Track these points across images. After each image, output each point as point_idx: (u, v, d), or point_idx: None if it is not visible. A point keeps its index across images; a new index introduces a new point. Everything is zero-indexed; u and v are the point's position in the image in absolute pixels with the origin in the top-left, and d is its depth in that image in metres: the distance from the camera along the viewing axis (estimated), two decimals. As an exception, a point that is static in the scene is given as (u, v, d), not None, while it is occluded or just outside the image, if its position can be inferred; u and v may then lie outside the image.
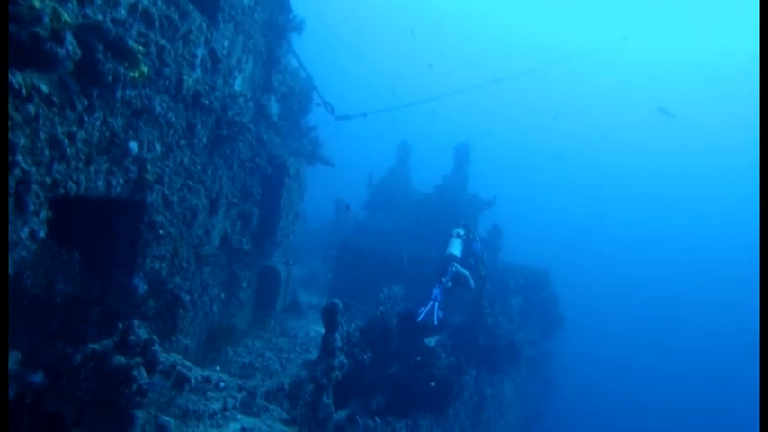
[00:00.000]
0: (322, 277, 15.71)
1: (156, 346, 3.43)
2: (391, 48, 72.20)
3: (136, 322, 3.19)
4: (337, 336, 5.30)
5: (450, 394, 6.88)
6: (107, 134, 4.19)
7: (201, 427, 3.79)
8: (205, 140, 6.29)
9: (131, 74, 4.18)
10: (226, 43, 6.49)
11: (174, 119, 5.28)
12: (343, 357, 5.85)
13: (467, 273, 9.85)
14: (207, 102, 5.93)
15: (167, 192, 5.45)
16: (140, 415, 3.11)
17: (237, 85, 7.24)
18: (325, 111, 12.60)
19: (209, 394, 4.04)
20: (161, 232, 5.34)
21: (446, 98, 15.00)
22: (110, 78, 3.92)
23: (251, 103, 7.96)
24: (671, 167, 71.26)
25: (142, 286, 5.25)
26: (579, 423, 26.55)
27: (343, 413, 5.89)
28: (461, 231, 10.97)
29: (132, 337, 3.16)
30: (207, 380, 3.97)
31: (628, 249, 63.05)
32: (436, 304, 9.62)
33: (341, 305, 5.26)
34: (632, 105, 66.87)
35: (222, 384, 4.18)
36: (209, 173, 6.64)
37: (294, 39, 9.90)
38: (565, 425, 23.87)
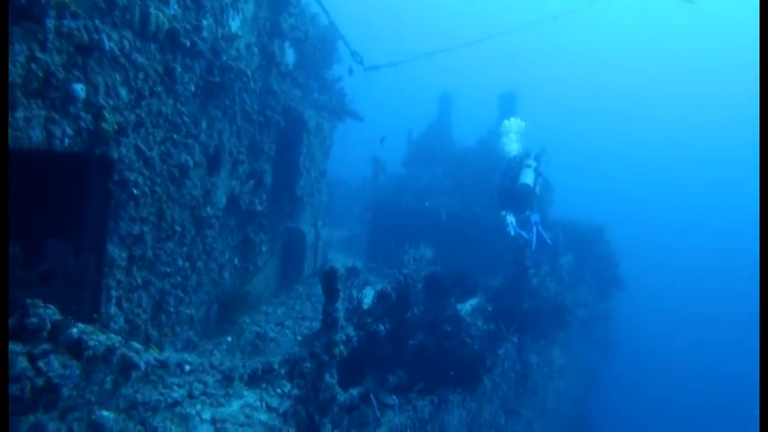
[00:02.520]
0: (361, 240, 15.06)
1: (77, 328, 2.77)
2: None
3: (33, 301, 2.52)
4: (339, 306, 4.56)
5: (483, 366, 6.08)
6: (39, 73, 3.49)
7: (157, 420, 3.15)
8: (193, 88, 5.56)
9: (58, -3, 3.45)
10: (212, -25, 5.66)
11: (141, 60, 4.54)
12: (351, 330, 5.14)
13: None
14: (188, 42, 5.17)
15: (143, 146, 4.77)
16: (50, 421, 2.47)
17: (235, 27, 6.42)
18: (354, 61, 11.67)
19: (170, 380, 3.39)
20: (135, 192, 4.69)
21: (484, 45, 13.68)
22: (23, 0, 3.20)
23: (256, 49, 7.15)
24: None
25: (118, 253, 4.67)
26: (639, 387, 25.19)
27: (355, 391, 5.21)
28: (534, 162, 10.31)
29: (33, 320, 2.49)
30: (163, 364, 3.31)
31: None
32: (539, 228, 9.93)
33: (341, 270, 4.49)
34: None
35: (188, 367, 3.53)
36: (204, 126, 5.94)
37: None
38: (624, 388, 22.66)
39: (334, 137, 11.76)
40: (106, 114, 4.13)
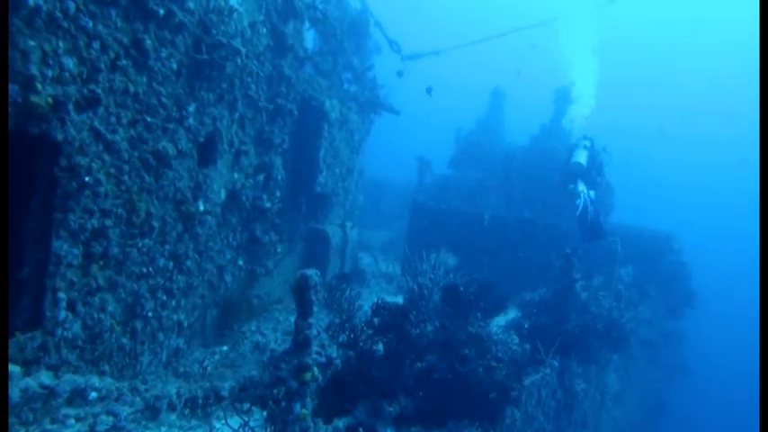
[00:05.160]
0: (401, 243, 14.19)
1: None
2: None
3: None
4: (312, 321, 3.73)
5: (507, 397, 5.06)
6: (-66, 31, 2.90)
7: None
8: (175, 66, 4.92)
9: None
10: (198, -62, 5.01)
11: (95, 27, 3.92)
12: (332, 351, 4.30)
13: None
14: (161, 11, 4.52)
15: (101, 127, 4.15)
16: None
17: (234, 1, 5.77)
18: (391, 50, 10.88)
19: (64, 412, 2.68)
20: (88, 179, 4.06)
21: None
22: None
23: (264, 29, 6.48)
24: None
25: (68, 249, 4.06)
26: (716, 413, 22.71)
27: (341, 423, 4.36)
28: (587, 142, 10.28)
29: None
30: (52, 391, 2.61)
31: None
32: (588, 200, 9.52)
33: (314, 278, 3.66)
34: None
35: (93, 395, 2.81)
36: (192, 110, 5.29)
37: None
38: (699, 416, 20.47)
39: (372, 132, 10.99)
40: (38, 86, 3.52)
